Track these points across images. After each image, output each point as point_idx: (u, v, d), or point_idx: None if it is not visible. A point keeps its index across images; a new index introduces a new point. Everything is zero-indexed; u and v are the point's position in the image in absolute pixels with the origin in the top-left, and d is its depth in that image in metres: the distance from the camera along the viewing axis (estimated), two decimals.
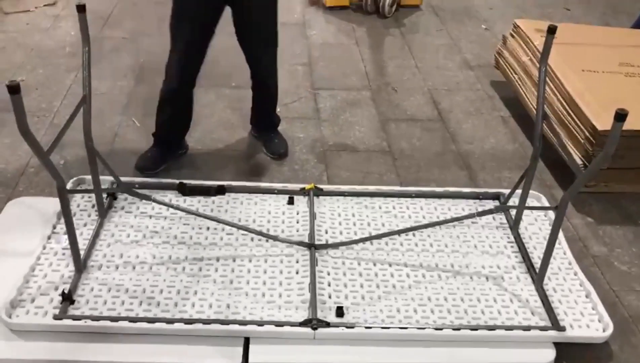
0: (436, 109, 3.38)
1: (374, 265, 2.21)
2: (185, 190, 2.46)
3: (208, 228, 2.31)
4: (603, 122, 2.55)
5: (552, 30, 2.07)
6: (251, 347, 1.90)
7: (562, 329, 1.97)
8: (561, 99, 2.86)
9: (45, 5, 4.32)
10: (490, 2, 4.90)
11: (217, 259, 2.18)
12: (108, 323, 1.90)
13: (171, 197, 2.45)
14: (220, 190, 2.48)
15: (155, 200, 2.16)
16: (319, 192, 2.50)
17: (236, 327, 1.92)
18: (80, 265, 2.06)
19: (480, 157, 3.00)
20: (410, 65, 3.85)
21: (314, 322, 1.93)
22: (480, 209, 2.26)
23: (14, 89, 1.48)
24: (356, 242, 2.27)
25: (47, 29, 3.98)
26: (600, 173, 2.66)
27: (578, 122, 2.71)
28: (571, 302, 2.10)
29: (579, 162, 2.65)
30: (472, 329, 1.97)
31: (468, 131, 3.20)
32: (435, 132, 3.18)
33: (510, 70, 3.35)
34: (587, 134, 2.63)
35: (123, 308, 1.97)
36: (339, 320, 1.98)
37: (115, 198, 2.41)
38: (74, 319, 1.90)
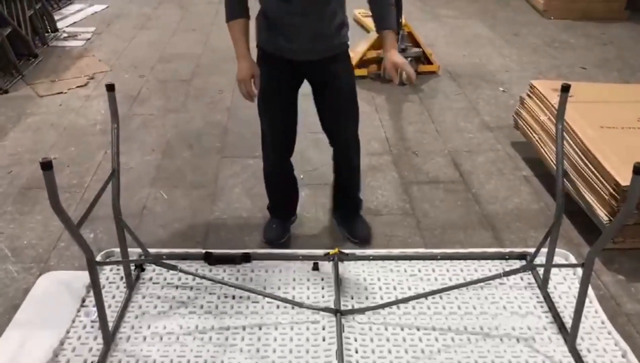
0: (458, 171, 3.41)
1: (402, 329, 2.18)
2: (212, 260, 2.49)
3: (234, 297, 2.32)
4: (626, 177, 2.54)
5: (566, 89, 2.12)
6: None
7: None
8: (582, 156, 2.86)
9: (77, 87, 4.53)
10: (506, 65, 5.00)
11: (244, 328, 2.18)
12: None
13: (197, 267, 2.48)
14: (246, 258, 2.51)
15: (182, 270, 2.19)
16: (343, 257, 2.51)
17: None
18: (109, 337, 2.08)
19: (504, 217, 2.99)
20: (430, 129, 3.91)
21: None
22: (507, 269, 2.24)
23: (46, 166, 1.56)
24: (382, 306, 2.25)
25: (78, 108, 4.17)
26: (627, 228, 2.62)
27: (601, 178, 2.70)
28: (607, 362, 2.04)
29: (605, 218, 2.63)
30: None
31: (491, 191, 3.21)
32: (458, 194, 3.19)
33: (529, 130, 3.38)
34: (611, 189, 2.61)
35: None
36: None
37: (143, 269, 2.46)
38: None
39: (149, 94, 4.42)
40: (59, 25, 5.85)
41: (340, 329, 2.14)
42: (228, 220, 2.96)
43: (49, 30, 5.65)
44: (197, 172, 3.38)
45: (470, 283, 2.25)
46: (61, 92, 4.45)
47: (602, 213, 2.64)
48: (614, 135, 2.92)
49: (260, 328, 2.18)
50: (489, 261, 2.53)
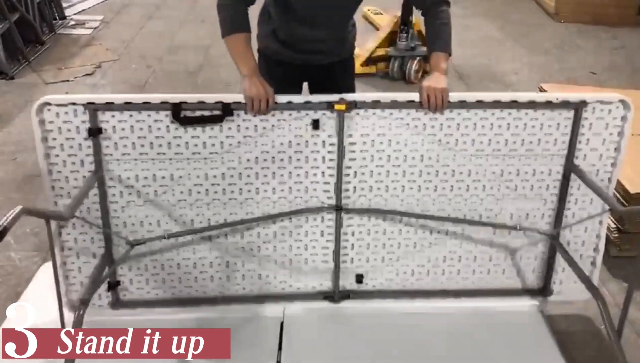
0: None
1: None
2: (183, 118, 1.98)
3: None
4: (635, 185, 2.52)
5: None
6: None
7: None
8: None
9: (84, 75, 4.52)
10: (515, 67, 4.97)
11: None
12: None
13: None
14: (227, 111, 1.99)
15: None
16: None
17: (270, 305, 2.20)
18: None
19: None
20: None
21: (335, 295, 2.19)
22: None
23: None
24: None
25: None
26: (634, 236, 2.61)
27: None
28: None
29: (612, 225, 2.61)
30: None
31: None
32: None
33: None
34: (620, 197, 2.59)
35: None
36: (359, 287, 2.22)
37: None
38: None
39: (156, 85, 4.41)
40: (67, 12, 5.84)
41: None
42: None
43: (57, 18, 5.63)
44: None
45: None
46: (67, 80, 4.44)
47: (609, 220, 2.62)
48: None
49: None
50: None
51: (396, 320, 2.20)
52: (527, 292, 2.27)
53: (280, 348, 2.12)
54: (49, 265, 2.48)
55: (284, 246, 2.17)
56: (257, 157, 2.04)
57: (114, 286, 2.16)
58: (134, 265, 2.15)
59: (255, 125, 2.00)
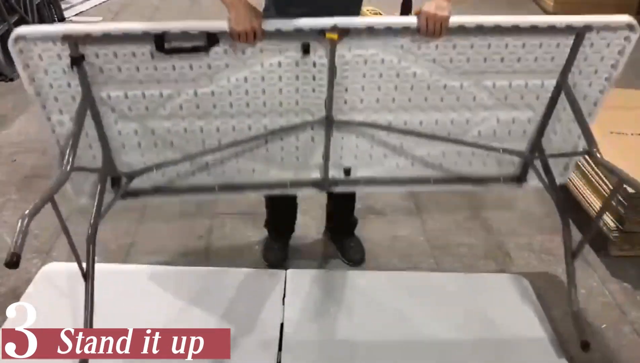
0: None
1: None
2: (165, 47, 1.94)
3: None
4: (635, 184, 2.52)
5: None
6: None
7: None
8: (591, 161, 2.84)
9: None
10: None
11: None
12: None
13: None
14: (212, 40, 1.96)
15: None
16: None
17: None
18: None
19: (510, 221, 2.97)
20: None
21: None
22: None
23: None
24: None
25: None
26: (634, 236, 2.61)
27: (609, 184, 2.68)
28: None
29: (612, 225, 2.61)
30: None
31: (497, 195, 3.18)
32: (464, 196, 3.16)
33: None
34: (619, 196, 2.59)
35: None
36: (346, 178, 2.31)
37: None
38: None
39: None
40: (66, 14, 5.83)
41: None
42: (232, 216, 2.94)
43: (56, 19, 5.62)
44: None
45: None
46: None
47: (609, 221, 2.62)
48: (623, 141, 2.89)
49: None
50: None
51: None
52: (505, 179, 2.43)
53: (280, 349, 2.13)
54: (48, 266, 2.49)
55: (275, 148, 2.24)
56: (245, 77, 2.04)
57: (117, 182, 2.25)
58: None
59: (243, 50, 1.97)
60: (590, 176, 2.81)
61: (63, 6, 5.88)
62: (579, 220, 2.65)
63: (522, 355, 2.15)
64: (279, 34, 1.93)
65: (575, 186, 2.88)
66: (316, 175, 2.33)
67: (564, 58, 2.07)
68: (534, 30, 1.99)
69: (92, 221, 1.97)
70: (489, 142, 2.27)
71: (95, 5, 6.29)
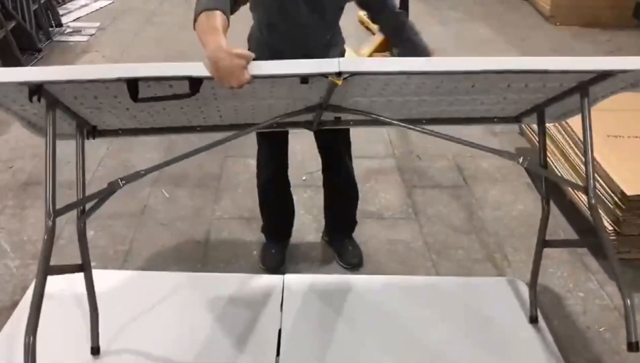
0: (461, 176, 3.39)
1: None
2: (137, 95, 1.65)
3: None
4: (632, 187, 2.52)
5: None
6: None
7: None
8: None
9: None
10: None
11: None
12: None
13: None
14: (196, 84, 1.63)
15: None
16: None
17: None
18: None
19: (508, 223, 2.97)
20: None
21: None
22: None
23: None
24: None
25: None
26: (633, 239, 2.61)
27: (606, 187, 2.68)
28: None
29: (609, 227, 2.61)
30: None
31: (495, 197, 3.19)
32: (462, 199, 3.17)
33: (534, 136, 3.36)
34: (616, 199, 2.59)
35: None
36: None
37: None
38: None
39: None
40: (64, 20, 5.84)
41: None
42: (230, 220, 2.94)
43: (53, 25, 5.63)
44: (200, 171, 3.36)
45: None
46: None
47: (607, 223, 2.62)
48: (620, 144, 2.90)
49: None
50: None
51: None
52: (502, 119, 2.33)
53: (278, 354, 2.12)
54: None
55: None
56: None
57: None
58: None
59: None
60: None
61: (60, 12, 5.89)
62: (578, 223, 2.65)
63: (520, 359, 2.15)
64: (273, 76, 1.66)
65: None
66: (308, 117, 2.08)
67: None
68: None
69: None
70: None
71: (93, 11, 6.30)
